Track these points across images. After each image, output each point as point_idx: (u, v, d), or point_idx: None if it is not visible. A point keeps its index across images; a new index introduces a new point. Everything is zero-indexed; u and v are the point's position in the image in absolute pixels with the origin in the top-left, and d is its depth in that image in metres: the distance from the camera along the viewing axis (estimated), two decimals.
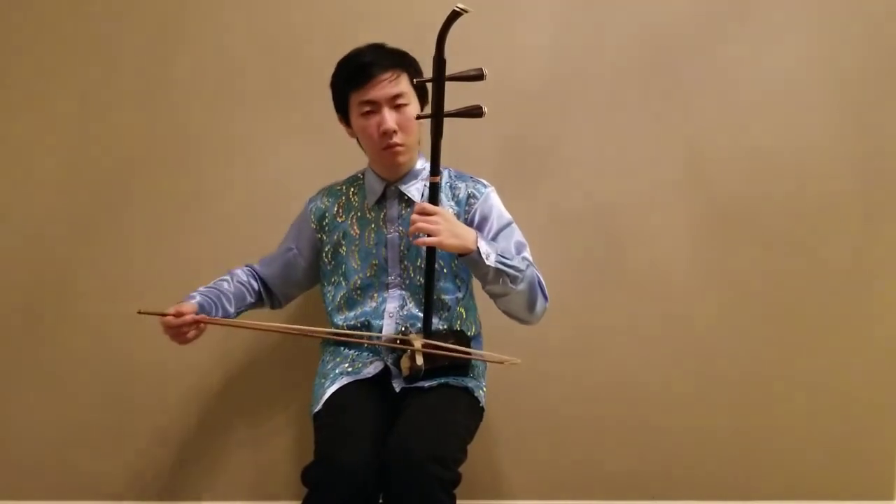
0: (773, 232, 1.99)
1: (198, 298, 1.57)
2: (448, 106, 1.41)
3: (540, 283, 1.55)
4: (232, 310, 1.64)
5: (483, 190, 1.63)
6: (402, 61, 1.55)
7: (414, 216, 1.44)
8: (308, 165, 1.95)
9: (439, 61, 1.38)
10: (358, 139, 1.63)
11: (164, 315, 1.48)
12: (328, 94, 1.60)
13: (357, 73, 1.53)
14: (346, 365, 1.60)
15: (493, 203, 1.63)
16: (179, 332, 1.48)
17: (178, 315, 1.48)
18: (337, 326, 1.63)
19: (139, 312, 1.46)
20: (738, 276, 2.00)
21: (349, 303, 1.63)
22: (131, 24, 1.94)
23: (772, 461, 2.04)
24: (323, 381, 1.58)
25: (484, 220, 1.60)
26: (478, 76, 1.38)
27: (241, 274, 1.71)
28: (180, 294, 1.94)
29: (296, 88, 1.94)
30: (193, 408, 2.02)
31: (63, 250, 1.98)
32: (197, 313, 1.51)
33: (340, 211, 1.67)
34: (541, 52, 1.95)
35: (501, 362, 1.50)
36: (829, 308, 2.01)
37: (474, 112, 1.40)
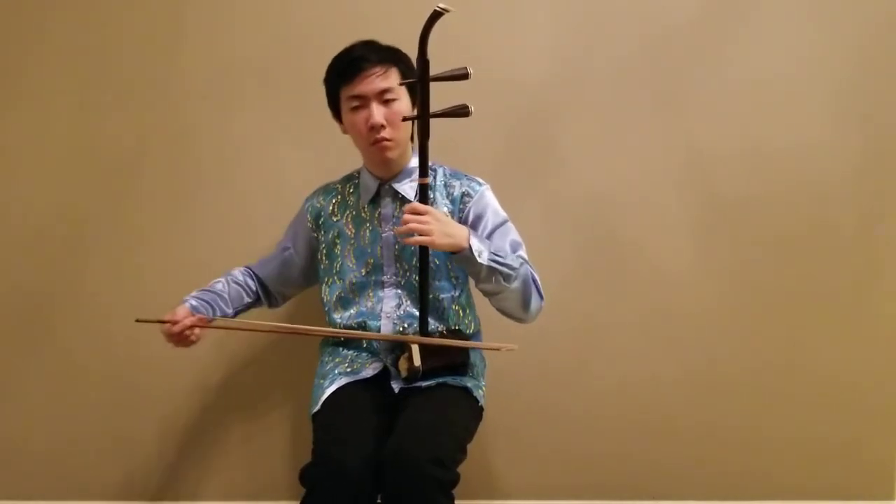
0: (772, 230, 1.99)
1: (192, 302, 1.60)
2: (449, 104, 1.40)
3: (535, 281, 1.54)
4: (230, 311, 1.67)
5: (478, 188, 1.62)
6: (391, 56, 1.54)
7: (405, 216, 1.44)
8: (308, 165, 1.95)
9: (422, 62, 1.38)
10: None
11: (162, 322, 1.51)
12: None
13: (347, 67, 1.53)
14: (345, 366, 1.60)
15: (488, 201, 1.62)
16: (181, 336, 1.52)
17: (175, 321, 1.51)
18: (335, 325, 1.63)
19: (137, 321, 1.50)
20: (737, 274, 1.99)
21: (345, 301, 1.63)
22: (131, 24, 1.95)
23: (771, 461, 2.02)
24: (322, 381, 1.58)
25: (478, 218, 1.59)
26: (463, 75, 1.37)
27: (238, 274, 1.73)
28: (180, 294, 1.93)
29: (295, 89, 1.94)
30: (192, 408, 2.03)
31: (62, 251, 1.99)
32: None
33: (336, 209, 1.67)
34: (540, 49, 1.95)
35: (498, 349, 1.54)
36: (829, 307, 2.00)
37: (461, 111, 1.38)
